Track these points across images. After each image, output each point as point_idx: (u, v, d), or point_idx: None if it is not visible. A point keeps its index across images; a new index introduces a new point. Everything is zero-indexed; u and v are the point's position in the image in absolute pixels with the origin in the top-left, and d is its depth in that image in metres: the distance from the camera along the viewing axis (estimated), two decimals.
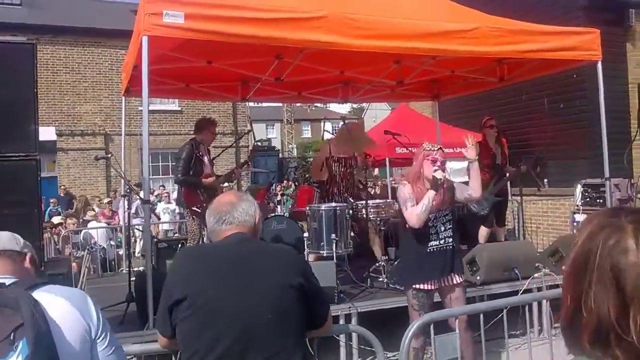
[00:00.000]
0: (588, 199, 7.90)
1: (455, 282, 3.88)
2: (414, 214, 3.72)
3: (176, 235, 11.07)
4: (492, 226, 7.05)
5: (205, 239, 6.74)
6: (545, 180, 9.89)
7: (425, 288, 3.83)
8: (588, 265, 0.98)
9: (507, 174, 7.12)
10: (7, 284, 1.63)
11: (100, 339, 1.67)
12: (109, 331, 1.71)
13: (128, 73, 6.02)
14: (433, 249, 3.85)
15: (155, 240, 6.54)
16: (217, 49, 5.41)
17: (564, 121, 10.33)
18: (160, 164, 19.01)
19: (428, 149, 3.88)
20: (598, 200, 7.62)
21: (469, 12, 5.76)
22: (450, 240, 3.91)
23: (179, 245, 6.67)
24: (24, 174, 3.53)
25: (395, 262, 5.42)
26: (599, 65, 5.69)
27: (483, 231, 6.99)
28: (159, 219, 12.01)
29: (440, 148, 3.92)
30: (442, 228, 3.88)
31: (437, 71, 7.25)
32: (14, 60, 3.65)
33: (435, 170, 3.69)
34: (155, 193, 14.28)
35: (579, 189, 8.02)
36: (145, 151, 4.22)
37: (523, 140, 10.41)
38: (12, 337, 1.42)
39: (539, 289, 5.37)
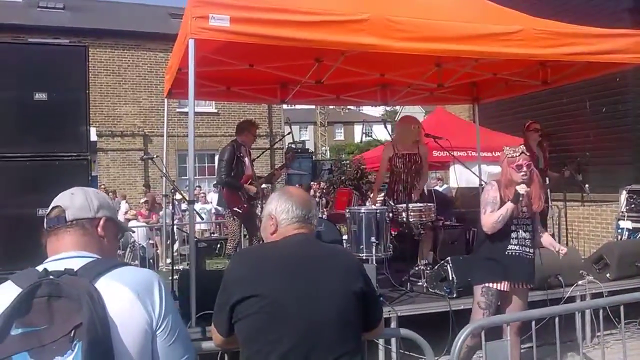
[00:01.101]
0: (633, 205, 7.69)
1: (523, 286, 3.93)
2: (490, 221, 3.79)
3: (215, 235, 11.20)
4: None
5: (241, 239, 6.83)
6: (587, 185, 9.68)
7: (498, 288, 3.87)
8: None
9: (549, 179, 6.99)
10: (75, 269, 1.53)
11: (161, 329, 1.57)
12: (172, 319, 1.61)
13: (172, 75, 6.12)
14: (512, 252, 3.89)
15: (195, 239, 6.63)
16: (259, 51, 5.47)
17: (606, 125, 10.09)
18: (197, 165, 19.29)
19: (510, 155, 3.90)
20: None
21: (511, 14, 5.68)
22: (529, 249, 3.95)
23: (218, 245, 6.78)
24: (76, 173, 3.64)
25: (436, 267, 5.38)
26: None
27: None
28: (202, 218, 12.18)
29: (523, 152, 3.94)
30: (523, 235, 3.91)
31: (478, 74, 7.17)
32: (67, 63, 3.78)
33: (520, 182, 3.74)
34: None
35: (623, 194, 7.81)
36: (191, 152, 4.29)
37: (564, 145, 10.20)
38: (72, 335, 1.40)
39: (583, 297, 5.26)
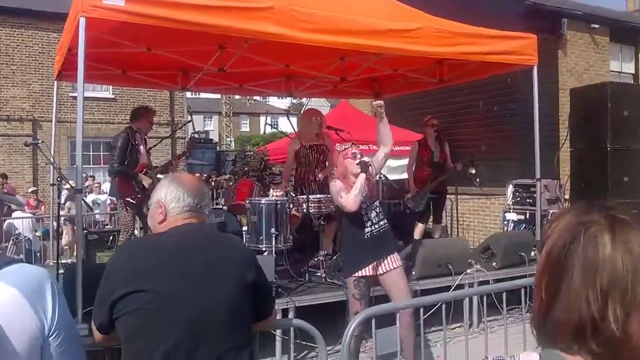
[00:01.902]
0: (519, 199, 8.22)
1: (392, 266, 4.03)
2: (349, 198, 3.89)
3: (107, 226, 10.69)
4: (427, 223, 7.22)
5: (137, 231, 6.55)
6: (478, 179, 10.24)
7: (365, 274, 3.97)
8: (564, 259, 0.99)
9: (446, 172, 7.31)
10: None
11: (54, 335, 1.44)
12: (65, 323, 1.49)
13: (62, 56, 5.73)
14: (368, 234, 4.01)
15: (85, 231, 6.27)
16: (158, 35, 5.24)
17: (496, 123, 10.73)
18: (92, 153, 18.31)
19: (341, 150, 4.25)
20: (528, 200, 7.95)
21: (413, 13, 5.84)
22: (383, 223, 4.09)
23: (110, 237, 6.45)
24: None
25: (334, 257, 5.45)
26: (535, 70, 5.90)
27: (419, 227, 7.15)
28: (92, 209, 11.56)
29: (354, 144, 4.34)
30: (374, 214, 4.06)
31: (379, 69, 7.33)
32: None
33: (359, 160, 4.01)
34: (86, 184, 13.74)
35: (510, 188, 8.33)
36: (79, 138, 4.02)
37: (459, 140, 10.71)
38: None
39: (471, 285, 5.55)
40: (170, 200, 2.05)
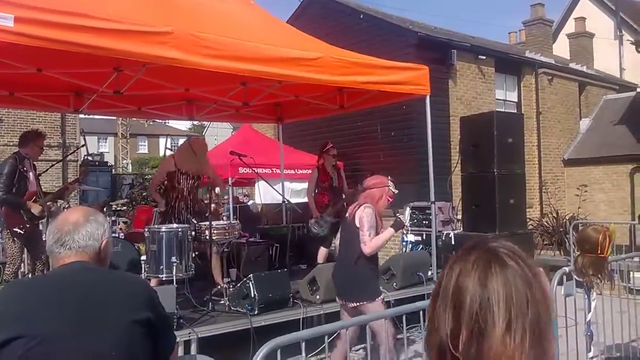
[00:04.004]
0: (415, 220, 8.58)
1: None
2: (374, 244, 4.25)
3: None
4: (330, 246, 7.33)
5: (26, 263, 6.13)
6: None
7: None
8: (439, 290, 1.11)
9: (344, 196, 7.49)
10: None
11: None
12: None
13: None
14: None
15: None
16: (49, 56, 4.98)
17: (394, 147, 11.18)
18: None
19: (391, 186, 4.49)
20: (424, 222, 8.31)
21: (314, 42, 6.00)
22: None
23: None
24: None
25: (238, 284, 5.37)
26: (428, 99, 6.25)
27: (322, 252, 7.24)
28: None
29: (391, 180, 4.58)
30: None
31: (281, 95, 7.43)
32: None
33: (396, 218, 4.63)
34: None
35: (407, 211, 8.67)
36: None
37: (357, 164, 11.05)
38: None
39: None
40: (50, 240, 1.96)
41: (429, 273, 6.45)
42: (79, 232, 1.94)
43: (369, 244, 4.22)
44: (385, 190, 4.43)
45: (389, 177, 4.60)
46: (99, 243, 1.97)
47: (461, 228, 7.86)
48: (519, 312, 1.02)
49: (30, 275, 5.82)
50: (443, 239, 7.35)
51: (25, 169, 5.60)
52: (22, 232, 5.45)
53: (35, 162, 5.92)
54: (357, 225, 4.28)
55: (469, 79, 12.17)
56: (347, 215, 4.53)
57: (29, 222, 5.52)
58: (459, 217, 8.14)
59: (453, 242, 7.17)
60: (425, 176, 6.54)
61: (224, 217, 8.89)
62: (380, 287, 4.67)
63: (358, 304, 4.29)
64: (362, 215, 4.28)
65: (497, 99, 12.88)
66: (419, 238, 8.46)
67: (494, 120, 6.82)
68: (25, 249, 5.73)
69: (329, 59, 5.39)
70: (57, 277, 1.94)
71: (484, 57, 12.34)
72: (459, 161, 7.16)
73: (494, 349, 1.00)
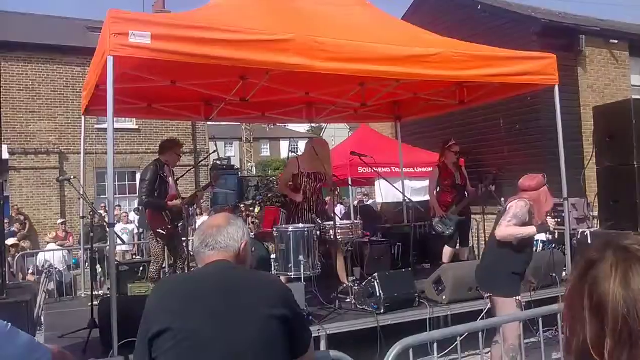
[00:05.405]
0: (547, 219, 8.10)
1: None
2: (511, 232, 4.14)
3: (138, 257, 10.80)
4: (455, 246, 7.16)
5: (166, 262, 6.62)
6: (502, 199, 10.14)
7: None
8: (574, 294, 1.06)
9: (467, 194, 7.27)
10: None
11: None
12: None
13: (89, 92, 5.89)
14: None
15: (116, 263, 6.36)
16: (182, 69, 5.37)
17: (519, 141, 10.67)
18: (117, 183, 18.59)
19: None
20: (556, 220, 7.84)
21: (430, 37, 5.90)
22: None
23: (141, 268, 6.53)
24: None
25: (363, 283, 5.42)
26: (557, 89, 5.89)
27: (447, 251, 7.09)
28: (123, 241, 11.69)
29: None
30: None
31: (399, 93, 7.39)
32: None
33: (542, 223, 4.42)
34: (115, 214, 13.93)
35: None
36: (110, 173, 4.13)
37: (481, 160, 10.67)
38: None
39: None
40: (197, 241, 2.14)
41: (563, 274, 6.08)
42: (221, 234, 2.10)
43: (503, 228, 4.16)
44: (545, 190, 4.34)
45: (543, 175, 4.47)
46: (239, 244, 2.11)
47: (598, 226, 7.31)
48: None
49: (171, 273, 6.29)
50: (578, 237, 6.89)
51: (165, 174, 6.06)
52: (164, 233, 5.91)
53: (173, 169, 6.39)
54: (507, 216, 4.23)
55: (600, 65, 11.31)
56: (503, 209, 4.45)
57: (170, 223, 5.99)
58: (595, 214, 7.58)
59: (590, 241, 6.69)
60: (556, 171, 6.16)
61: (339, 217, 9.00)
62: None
63: (491, 294, 4.23)
64: (513, 205, 4.23)
65: (632, 86, 11.84)
66: (551, 237, 8.00)
67: (631, 109, 6.26)
68: (167, 248, 6.20)
69: (448, 54, 5.27)
70: (202, 275, 2.11)
71: (616, 41, 11.41)
72: (594, 154, 6.67)
73: None
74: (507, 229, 4.15)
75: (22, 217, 15.73)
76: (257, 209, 15.03)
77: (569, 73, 10.31)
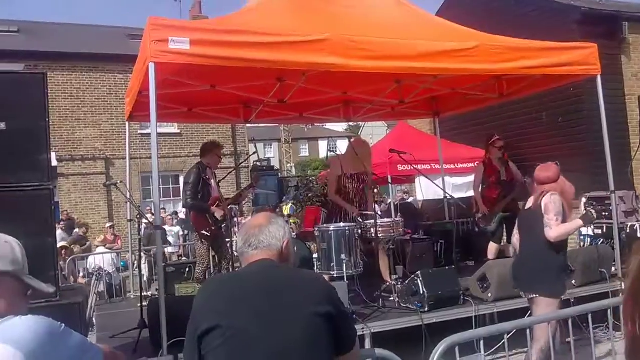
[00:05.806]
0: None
1: None
2: (561, 230, 4.04)
3: (184, 259, 11.04)
4: (500, 242, 7.05)
5: (211, 262, 6.75)
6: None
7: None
8: (637, 287, 1.03)
9: (515, 189, 7.13)
10: None
11: None
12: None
13: (133, 98, 6.06)
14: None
15: (162, 264, 6.53)
16: (220, 73, 5.48)
17: (562, 134, 10.40)
18: (161, 186, 19.01)
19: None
20: (604, 214, 7.62)
21: (466, 31, 5.83)
22: None
23: (187, 269, 6.68)
24: (37, 204, 3.54)
25: (406, 281, 5.41)
26: (599, 79, 5.73)
27: (492, 247, 6.98)
28: (169, 242, 11.97)
29: None
30: None
31: (437, 89, 7.32)
32: (25, 91, 3.69)
33: (587, 211, 4.38)
34: None
35: (583, 201, 8.02)
36: (155, 178, 4.24)
37: (521, 154, 10.44)
38: None
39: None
40: (240, 241, 2.20)
41: (612, 269, 5.92)
42: (263, 233, 2.14)
43: (555, 228, 4.02)
44: (562, 177, 4.24)
45: (556, 163, 4.36)
46: (281, 243, 2.15)
47: None
48: None
49: (216, 274, 6.41)
50: (627, 231, 6.69)
51: (207, 177, 6.19)
52: (208, 235, 6.04)
53: (215, 171, 6.51)
54: (543, 211, 4.10)
55: None
56: (529, 205, 4.33)
57: (214, 225, 6.11)
58: None
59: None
60: (602, 163, 5.99)
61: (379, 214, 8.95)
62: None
63: (535, 295, 4.10)
64: (549, 201, 4.10)
65: None
66: (599, 231, 7.78)
67: None
68: (211, 249, 6.33)
69: (485, 47, 5.20)
70: (247, 274, 2.16)
71: None
72: None
73: None
74: (559, 229, 4.04)
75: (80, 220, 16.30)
76: (286, 208, 15.07)
77: (612, 62, 9.98)
